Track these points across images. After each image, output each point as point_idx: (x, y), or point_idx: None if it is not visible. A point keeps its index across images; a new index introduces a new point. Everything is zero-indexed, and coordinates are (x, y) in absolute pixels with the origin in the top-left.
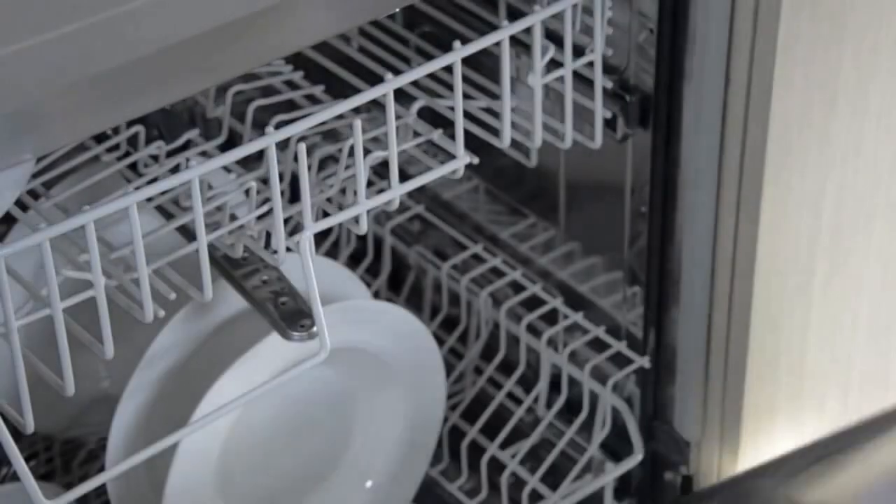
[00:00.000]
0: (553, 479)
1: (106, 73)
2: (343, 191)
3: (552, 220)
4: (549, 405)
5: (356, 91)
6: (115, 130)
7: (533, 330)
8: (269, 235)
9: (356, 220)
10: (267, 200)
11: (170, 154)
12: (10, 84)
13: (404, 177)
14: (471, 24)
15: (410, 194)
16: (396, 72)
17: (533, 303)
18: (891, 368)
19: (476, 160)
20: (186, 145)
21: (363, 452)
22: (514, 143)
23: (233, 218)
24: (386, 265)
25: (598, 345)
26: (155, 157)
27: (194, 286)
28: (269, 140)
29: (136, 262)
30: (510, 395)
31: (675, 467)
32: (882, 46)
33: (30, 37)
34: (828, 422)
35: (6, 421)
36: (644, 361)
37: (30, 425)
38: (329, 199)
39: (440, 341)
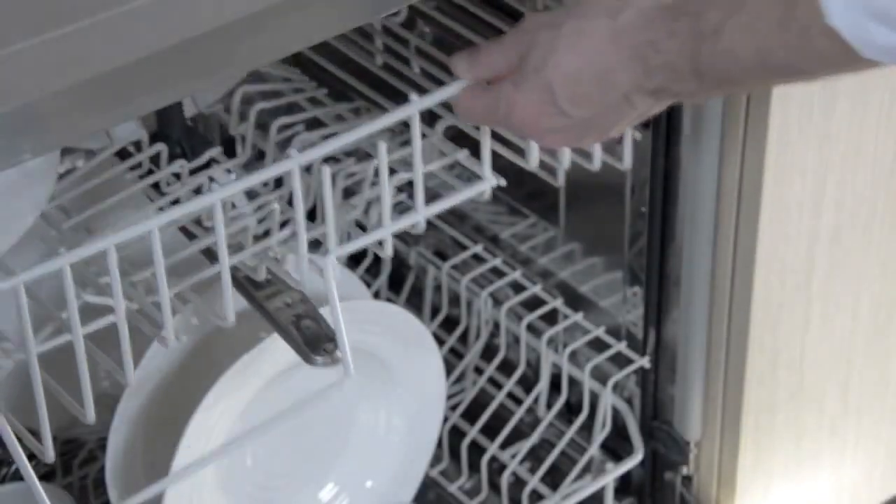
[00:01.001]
0: (553, 479)
1: (106, 73)
2: (366, 210)
3: (552, 220)
4: (549, 405)
5: (379, 107)
6: (138, 148)
7: (533, 330)
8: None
9: (380, 242)
10: (289, 221)
11: (192, 172)
12: (10, 84)
13: (433, 199)
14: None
15: (410, 195)
16: (422, 90)
17: (533, 303)
18: (891, 368)
19: (503, 182)
20: (209, 163)
21: (363, 452)
22: (541, 163)
23: (256, 239)
24: (386, 265)
25: (598, 345)
26: (177, 175)
27: (216, 308)
28: (294, 163)
29: (157, 285)
30: (510, 395)
31: (675, 467)
32: None
33: (30, 37)
34: (828, 422)
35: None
36: (644, 361)
37: (49, 455)
38: (356, 224)
39: (440, 341)
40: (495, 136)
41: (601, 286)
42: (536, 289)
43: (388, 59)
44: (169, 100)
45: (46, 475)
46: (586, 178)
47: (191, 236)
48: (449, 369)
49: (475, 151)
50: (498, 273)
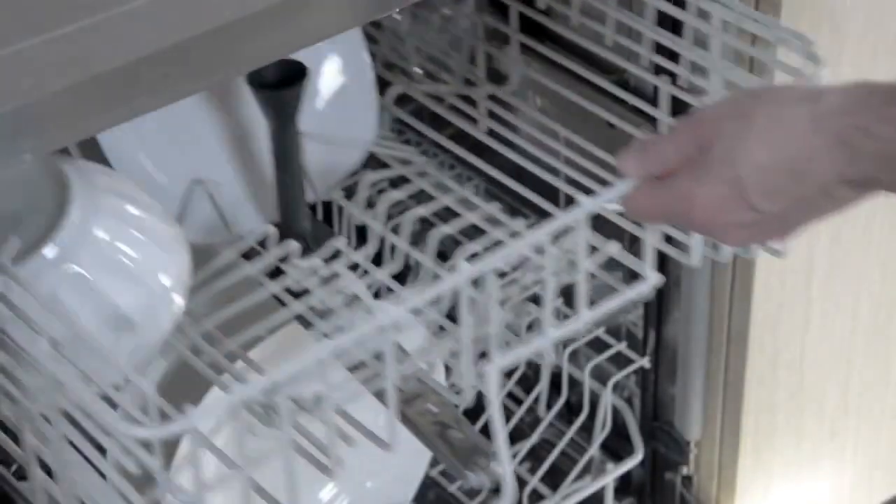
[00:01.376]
0: (553, 479)
1: (106, 73)
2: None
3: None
4: (549, 405)
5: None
6: (262, 245)
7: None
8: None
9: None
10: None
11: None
12: (10, 84)
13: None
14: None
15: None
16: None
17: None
18: (891, 368)
19: (664, 280)
20: (336, 255)
21: (363, 452)
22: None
23: (400, 350)
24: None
25: (598, 345)
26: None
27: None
28: (462, 277)
29: (324, 416)
30: (510, 395)
31: (675, 467)
32: (882, 47)
33: (30, 37)
34: (828, 422)
35: None
36: (644, 361)
37: None
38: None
39: None
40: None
41: (601, 286)
42: (536, 289)
43: (494, 126)
44: (169, 100)
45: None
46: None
47: (307, 324)
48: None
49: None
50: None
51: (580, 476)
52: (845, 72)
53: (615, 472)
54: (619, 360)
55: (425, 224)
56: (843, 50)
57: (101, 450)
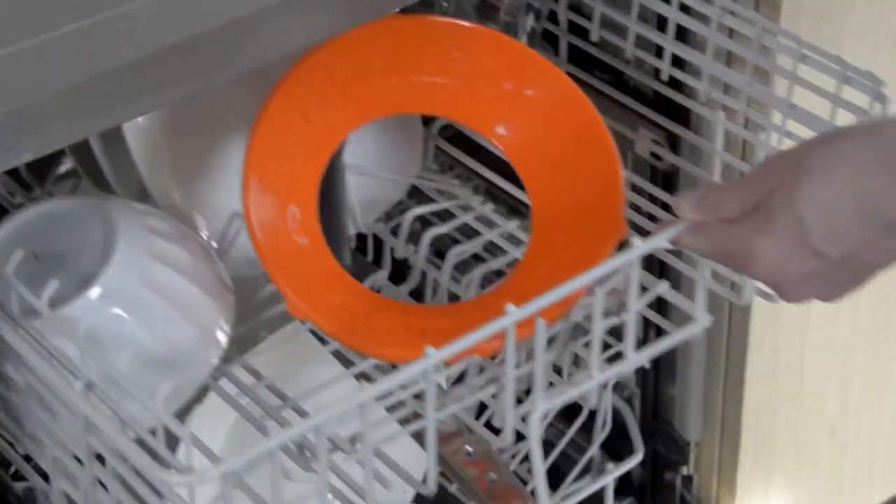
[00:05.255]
0: (553, 479)
1: (106, 73)
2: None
3: None
4: None
5: None
6: None
7: None
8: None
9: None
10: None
11: None
12: (10, 84)
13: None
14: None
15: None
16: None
17: None
18: (891, 368)
19: (713, 320)
20: (378, 291)
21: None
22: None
23: (441, 390)
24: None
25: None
26: None
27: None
28: (510, 321)
29: (363, 460)
30: None
31: (675, 467)
32: (882, 46)
33: (30, 37)
34: (828, 422)
35: None
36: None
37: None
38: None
39: None
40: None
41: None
42: None
43: None
44: (169, 100)
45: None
46: None
47: (348, 363)
48: None
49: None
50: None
51: (580, 476)
52: None
53: (615, 472)
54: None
55: (469, 260)
56: (842, 46)
57: (134, 493)
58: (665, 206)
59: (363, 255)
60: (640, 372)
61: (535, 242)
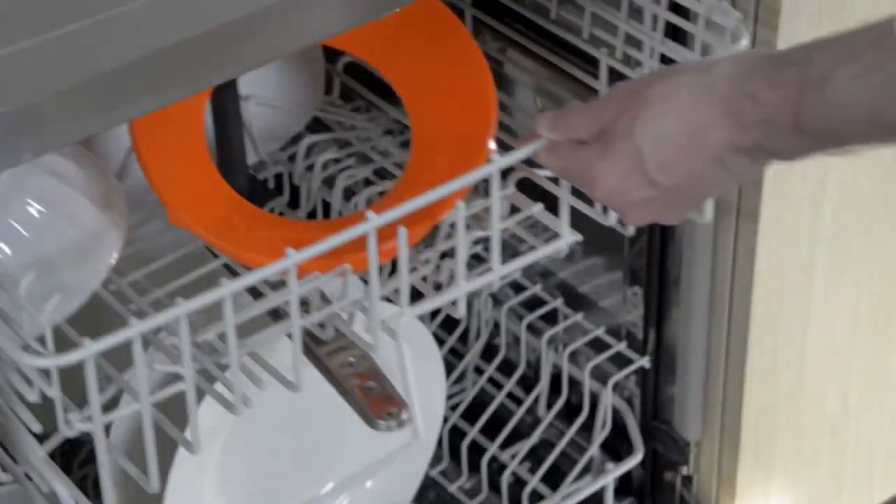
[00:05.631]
0: (553, 479)
1: (106, 73)
2: (437, 267)
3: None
4: (549, 405)
5: None
6: None
7: (533, 330)
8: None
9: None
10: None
11: None
12: (10, 84)
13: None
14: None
15: (315, 128)
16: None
17: (533, 303)
18: (891, 368)
19: (580, 238)
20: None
21: (363, 452)
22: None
23: (323, 298)
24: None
25: (598, 345)
26: None
27: (281, 370)
28: (370, 226)
29: (226, 349)
30: (510, 395)
31: (675, 467)
32: None
33: (30, 37)
34: (828, 422)
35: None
36: (644, 361)
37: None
38: (423, 278)
39: (440, 341)
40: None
41: (601, 286)
42: (537, 289)
43: None
44: (169, 100)
45: None
46: None
47: (257, 294)
48: (449, 369)
49: (541, 199)
50: None
51: (580, 476)
52: None
53: (615, 472)
54: (619, 360)
55: (360, 183)
56: None
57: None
58: None
59: (264, 183)
60: (640, 372)
61: (414, 163)
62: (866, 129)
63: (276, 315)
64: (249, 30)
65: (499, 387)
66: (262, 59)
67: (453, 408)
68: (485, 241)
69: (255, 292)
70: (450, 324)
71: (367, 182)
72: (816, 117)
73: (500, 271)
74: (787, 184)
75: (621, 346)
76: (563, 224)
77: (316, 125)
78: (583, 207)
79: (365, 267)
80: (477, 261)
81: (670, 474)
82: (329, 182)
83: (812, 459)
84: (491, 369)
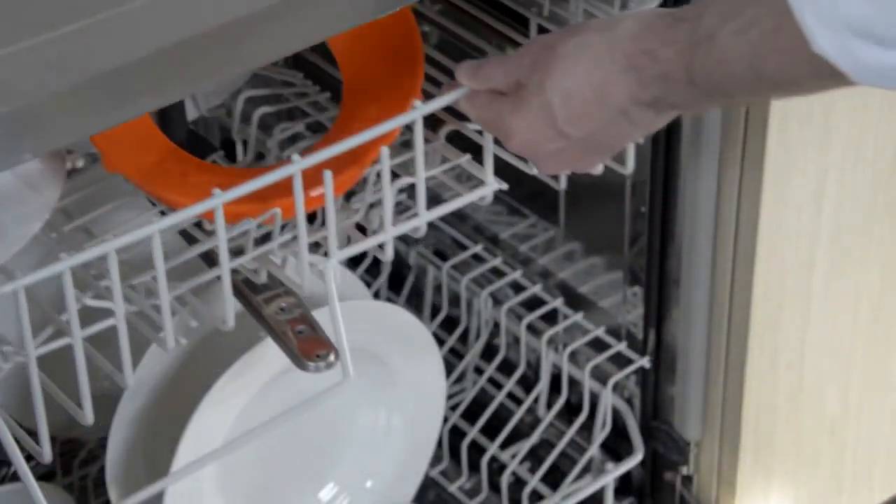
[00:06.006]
0: (553, 479)
1: (106, 73)
2: (367, 213)
3: (552, 220)
4: (549, 405)
5: None
6: None
7: (533, 330)
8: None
9: (380, 245)
10: (289, 225)
11: None
12: (10, 84)
13: (432, 201)
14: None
15: (412, 195)
16: (425, 95)
17: (533, 303)
18: (891, 368)
19: (505, 186)
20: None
21: (363, 452)
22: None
23: (257, 243)
24: (386, 265)
25: (598, 345)
26: None
27: (215, 311)
28: (295, 168)
29: (157, 288)
30: (510, 395)
31: (675, 467)
32: None
33: (30, 37)
34: (828, 422)
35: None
36: (644, 361)
37: (46, 456)
38: (355, 225)
39: (440, 341)
40: (498, 141)
41: (601, 286)
42: (536, 289)
43: None
44: (169, 100)
45: (46, 475)
46: (586, 178)
47: (191, 240)
48: (449, 369)
49: (477, 154)
50: (498, 273)
51: (580, 476)
52: None
53: (615, 472)
54: (619, 360)
55: (296, 136)
56: None
57: None
58: None
59: (203, 136)
60: (640, 372)
61: (343, 115)
62: (750, 82)
63: (212, 262)
64: (249, 30)
65: (499, 387)
66: (262, 59)
67: (453, 408)
68: (413, 190)
69: (192, 241)
70: (450, 324)
71: (302, 136)
72: (706, 72)
73: (425, 216)
74: (787, 184)
75: (621, 346)
76: (487, 172)
77: (256, 81)
78: (507, 157)
79: (289, 213)
80: (407, 210)
81: (670, 474)
82: (265, 135)
83: (812, 459)
84: (491, 369)
